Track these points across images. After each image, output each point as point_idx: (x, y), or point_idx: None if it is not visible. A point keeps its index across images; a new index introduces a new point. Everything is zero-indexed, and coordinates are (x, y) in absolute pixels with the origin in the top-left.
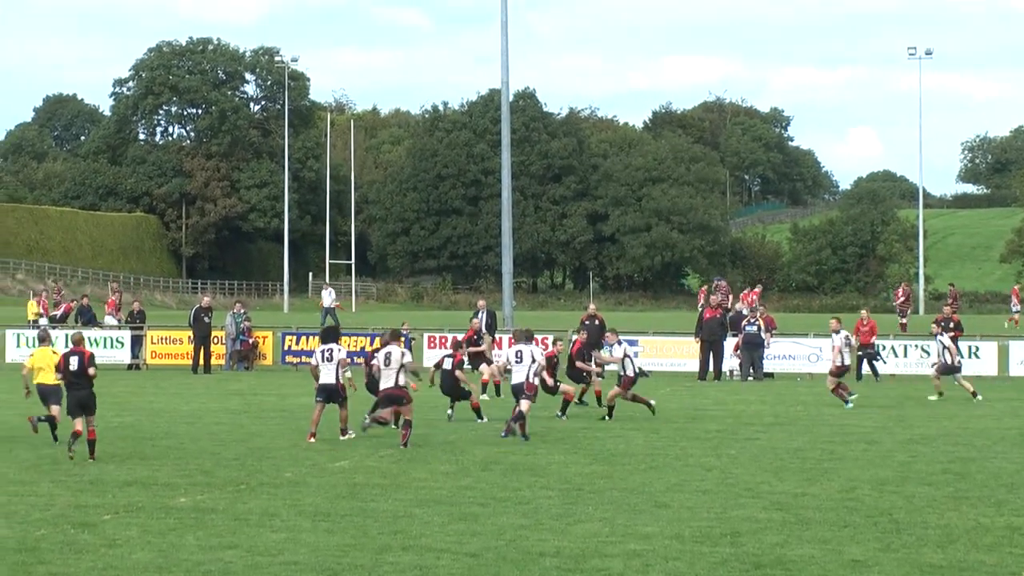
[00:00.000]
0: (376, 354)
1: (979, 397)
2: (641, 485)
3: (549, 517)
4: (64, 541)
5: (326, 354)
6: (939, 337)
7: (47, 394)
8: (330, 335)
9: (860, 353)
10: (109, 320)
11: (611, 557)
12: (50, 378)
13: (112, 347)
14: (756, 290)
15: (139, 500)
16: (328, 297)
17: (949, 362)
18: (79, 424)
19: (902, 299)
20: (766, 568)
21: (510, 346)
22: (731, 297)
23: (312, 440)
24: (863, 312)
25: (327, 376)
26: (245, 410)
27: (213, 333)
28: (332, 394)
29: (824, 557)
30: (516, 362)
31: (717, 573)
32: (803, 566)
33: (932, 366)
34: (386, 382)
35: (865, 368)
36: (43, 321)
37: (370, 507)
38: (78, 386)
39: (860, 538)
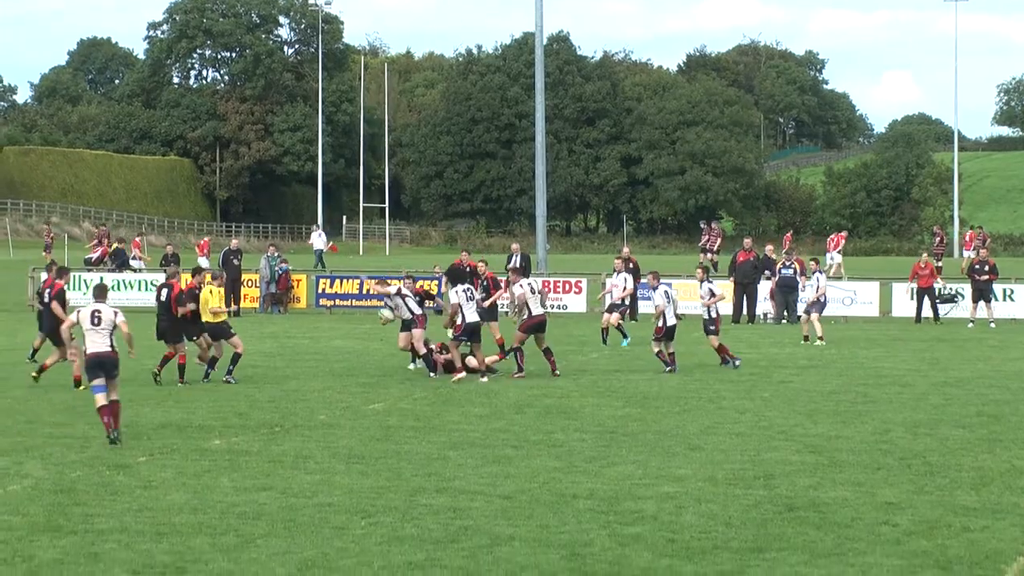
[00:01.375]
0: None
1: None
2: (674, 428)
3: (582, 460)
4: (100, 482)
5: (467, 293)
6: (816, 274)
7: (213, 332)
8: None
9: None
10: (134, 264)
11: (644, 499)
12: (207, 316)
13: (145, 290)
14: (843, 234)
15: (174, 442)
16: (319, 240)
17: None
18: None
19: (936, 241)
20: (799, 510)
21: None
22: (720, 241)
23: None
24: (923, 256)
25: (471, 315)
26: (279, 352)
27: (246, 276)
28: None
29: (857, 499)
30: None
31: (750, 515)
32: (836, 508)
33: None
34: (537, 309)
35: (927, 311)
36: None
37: (404, 449)
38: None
39: (893, 480)
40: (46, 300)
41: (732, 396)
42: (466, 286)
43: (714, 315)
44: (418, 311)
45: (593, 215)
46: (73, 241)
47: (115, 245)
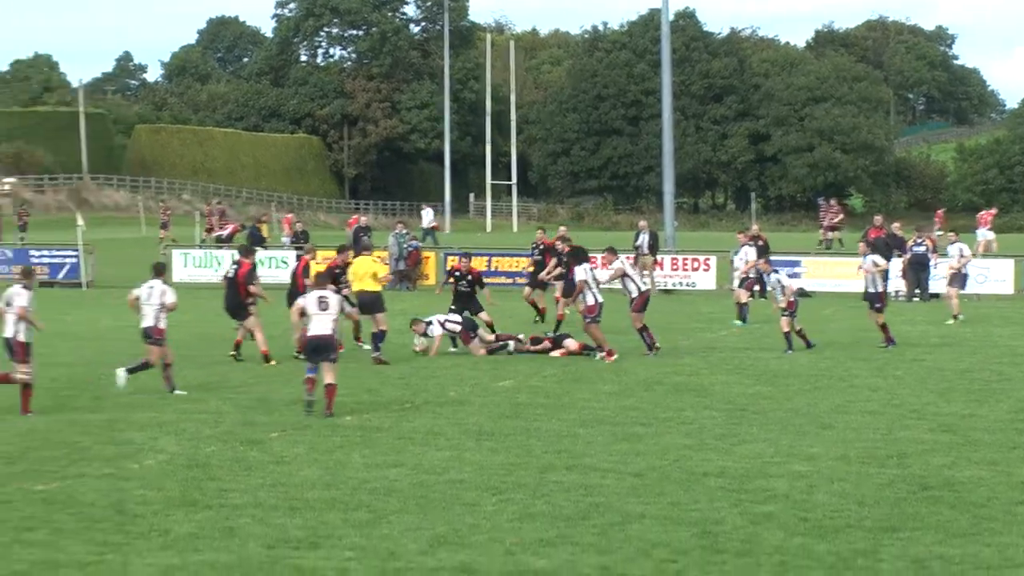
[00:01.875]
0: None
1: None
2: (806, 406)
3: (713, 437)
4: (233, 457)
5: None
6: (957, 245)
7: (369, 303)
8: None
9: None
10: (284, 241)
11: (776, 478)
12: (365, 285)
13: (276, 267)
14: (992, 210)
15: (306, 418)
16: (427, 217)
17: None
18: None
19: None
20: (933, 490)
21: (634, 266)
22: (842, 216)
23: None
24: None
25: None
26: (409, 329)
27: (376, 254)
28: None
29: (993, 479)
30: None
31: (883, 494)
32: (971, 488)
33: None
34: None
35: None
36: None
37: (534, 426)
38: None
39: None
40: (229, 276)
41: (864, 374)
42: (590, 265)
43: (879, 288)
44: (458, 328)
45: (721, 192)
46: (204, 218)
47: (251, 224)
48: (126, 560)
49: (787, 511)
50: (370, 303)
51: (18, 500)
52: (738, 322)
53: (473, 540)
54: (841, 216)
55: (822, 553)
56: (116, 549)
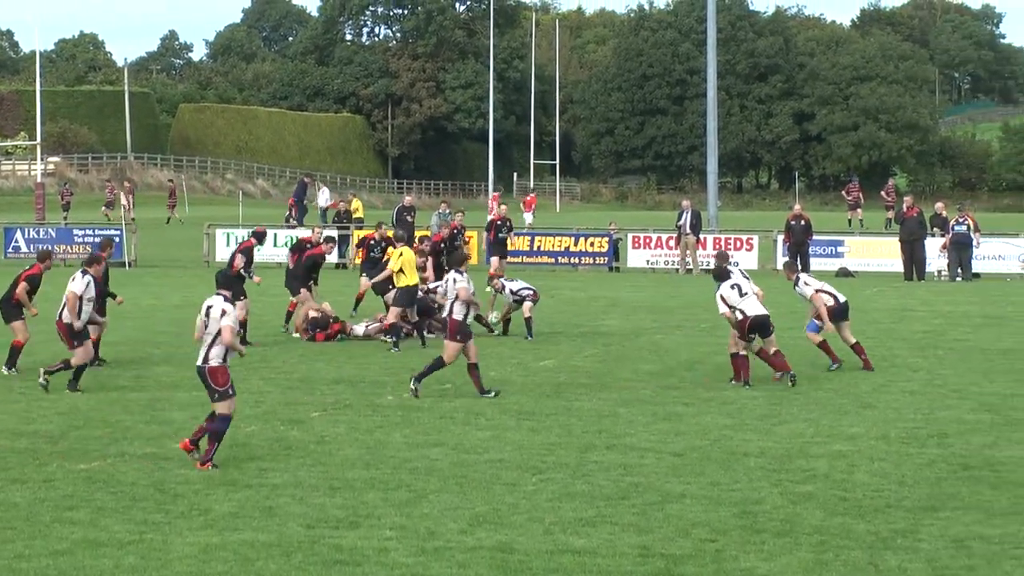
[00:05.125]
0: None
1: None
2: (846, 386)
3: (753, 417)
4: (274, 437)
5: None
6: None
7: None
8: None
9: None
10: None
11: (816, 458)
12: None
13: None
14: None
15: (347, 398)
16: (323, 196)
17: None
18: None
19: None
20: (974, 469)
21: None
22: (858, 193)
23: None
24: None
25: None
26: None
27: (419, 233)
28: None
29: None
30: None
31: (924, 474)
32: (1013, 468)
33: None
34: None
35: None
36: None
37: (574, 406)
38: None
39: None
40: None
41: (905, 354)
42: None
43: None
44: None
45: (765, 171)
46: (248, 198)
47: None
48: (166, 539)
49: (827, 491)
50: (413, 295)
51: (60, 479)
52: None
53: (513, 520)
54: (859, 192)
55: (861, 533)
56: (156, 528)
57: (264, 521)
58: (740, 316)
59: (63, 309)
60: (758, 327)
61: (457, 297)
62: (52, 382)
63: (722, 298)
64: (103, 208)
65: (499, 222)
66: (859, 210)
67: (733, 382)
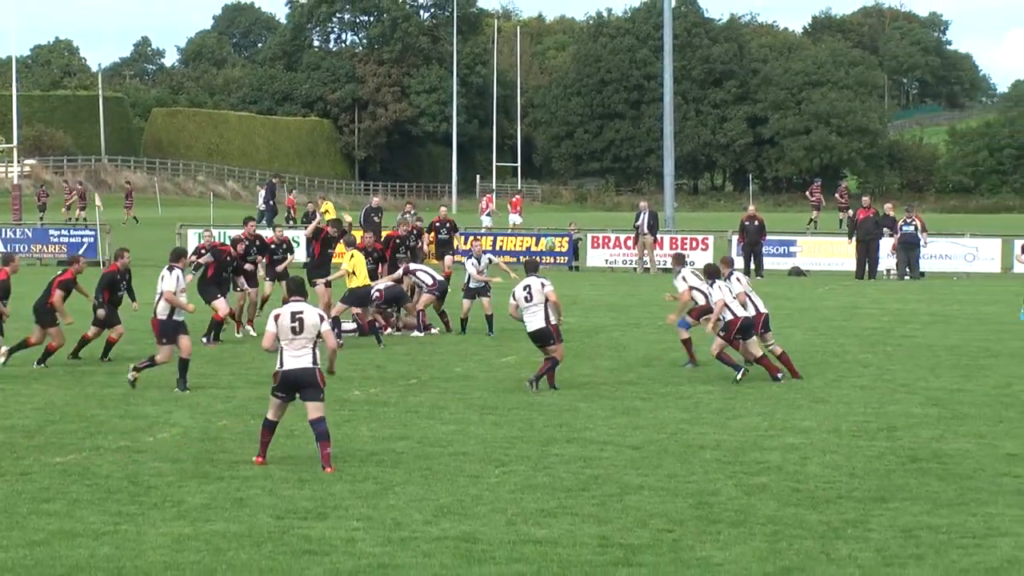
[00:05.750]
0: None
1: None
2: (799, 382)
3: (709, 412)
4: (245, 431)
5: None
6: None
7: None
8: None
9: None
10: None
11: (770, 450)
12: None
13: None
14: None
15: None
16: (260, 197)
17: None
18: None
19: None
20: (922, 461)
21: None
22: (816, 198)
23: None
24: None
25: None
26: None
27: (384, 234)
28: None
29: (979, 451)
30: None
31: (874, 466)
32: (959, 460)
33: None
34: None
35: None
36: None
37: (536, 401)
38: None
39: (1016, 433)
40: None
41: (856, 350)
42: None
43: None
44: (430, 281)
45: (719, 174)
46: (218, 199)
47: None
48: (140, 530)
49: (780, 482)
50: (364, 296)
51: (36, 472)
52: None
53: (476, 511)
54: (819, 196)
55: (814, 523)
56: (131, 519)
57: (235, 512)
58: (730, 316)
59: (156, 305)
60: (744, 330)
61: (547, 300)
62: (25, 373)
63: (683, 279)
64: (63, 209)
65: (438, 223)
66: (818, 211)
67: (739, 377)
